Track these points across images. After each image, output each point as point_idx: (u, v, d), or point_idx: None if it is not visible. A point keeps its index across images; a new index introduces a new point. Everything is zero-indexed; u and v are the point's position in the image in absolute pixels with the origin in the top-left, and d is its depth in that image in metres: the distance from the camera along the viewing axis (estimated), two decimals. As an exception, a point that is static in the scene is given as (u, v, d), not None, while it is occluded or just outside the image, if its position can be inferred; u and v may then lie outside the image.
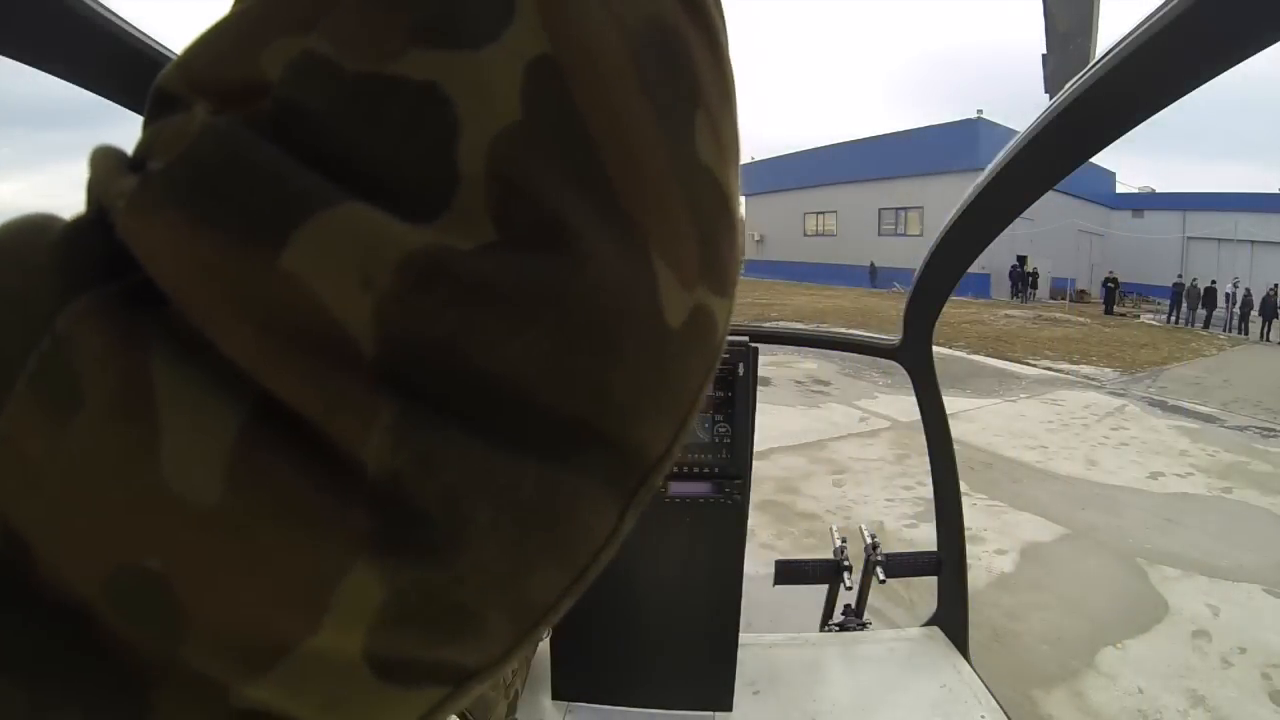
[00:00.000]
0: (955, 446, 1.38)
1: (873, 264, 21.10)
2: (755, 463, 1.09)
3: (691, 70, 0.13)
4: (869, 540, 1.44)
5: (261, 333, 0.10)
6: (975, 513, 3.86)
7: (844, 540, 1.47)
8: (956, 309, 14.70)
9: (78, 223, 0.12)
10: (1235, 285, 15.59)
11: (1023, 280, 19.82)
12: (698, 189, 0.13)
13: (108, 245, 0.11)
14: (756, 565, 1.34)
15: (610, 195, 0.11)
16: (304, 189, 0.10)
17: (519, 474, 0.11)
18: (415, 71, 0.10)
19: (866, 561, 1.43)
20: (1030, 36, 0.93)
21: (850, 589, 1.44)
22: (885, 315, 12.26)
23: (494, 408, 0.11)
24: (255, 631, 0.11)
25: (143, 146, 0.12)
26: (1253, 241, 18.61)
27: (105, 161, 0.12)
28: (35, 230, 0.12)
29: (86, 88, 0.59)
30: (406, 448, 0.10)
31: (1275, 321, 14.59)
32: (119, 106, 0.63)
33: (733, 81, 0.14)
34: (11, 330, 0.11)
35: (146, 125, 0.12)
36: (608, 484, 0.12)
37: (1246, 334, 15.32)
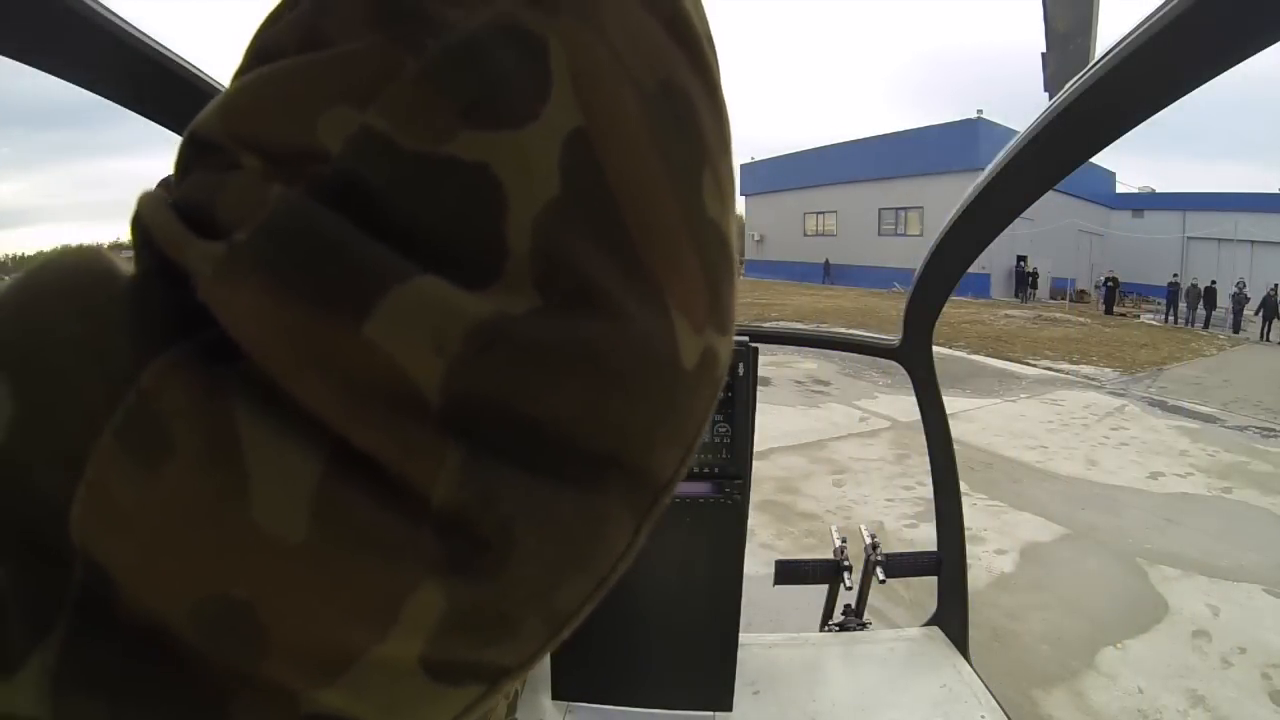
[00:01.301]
0: (955, 446, 1.38)
1: (827, 261, 23.46)
2: (755, 463, 1.09)
3: (698, 128, 0.14)
4: (869, 540, 1.44)
5: (343, 391, 0.11)
6: (975, 513, 3.86)
7: (844, 540, 1.47)
8: (956, 309, 14.69)
9: (146, 276, 0.12)
10: (1239, 286, 15.60)
11: (1023, 280, 19.83)
12: (706, 241, 0.14)
13: (179, 302, 0.12)
14: (756, 565, 1.34)
15: (634, 256, 0.13)
16: (379, 262, 0.11)
17: (559, 502, 0.13)
18: (467, 153, 0.11)
19: (866, 561, 1.43)
20: (1031, 36, 0.93)
21: (850, 589, 1.44)
22: (885, 315, 12.26)
23: (540, 448, 0.12)
24: (330, 644, 0.12)
25: (198, 199, 0.12)
26: (1253, 241, 18.61)
27: (164, 215, 0.12)
28: (96, 275, 0.13)
29: (86, 88, 0.59)
30: (471, 485, 0.12)
31: (1276, 321, 14.60)
32: (119, 106, 0.63)
33: (729, 130, 0.15)
34: (92, 382, 0.11)
35: (184, 168, 0.13)
36: (627, 504, 0.14)
37: (1238, 332, 15.35)
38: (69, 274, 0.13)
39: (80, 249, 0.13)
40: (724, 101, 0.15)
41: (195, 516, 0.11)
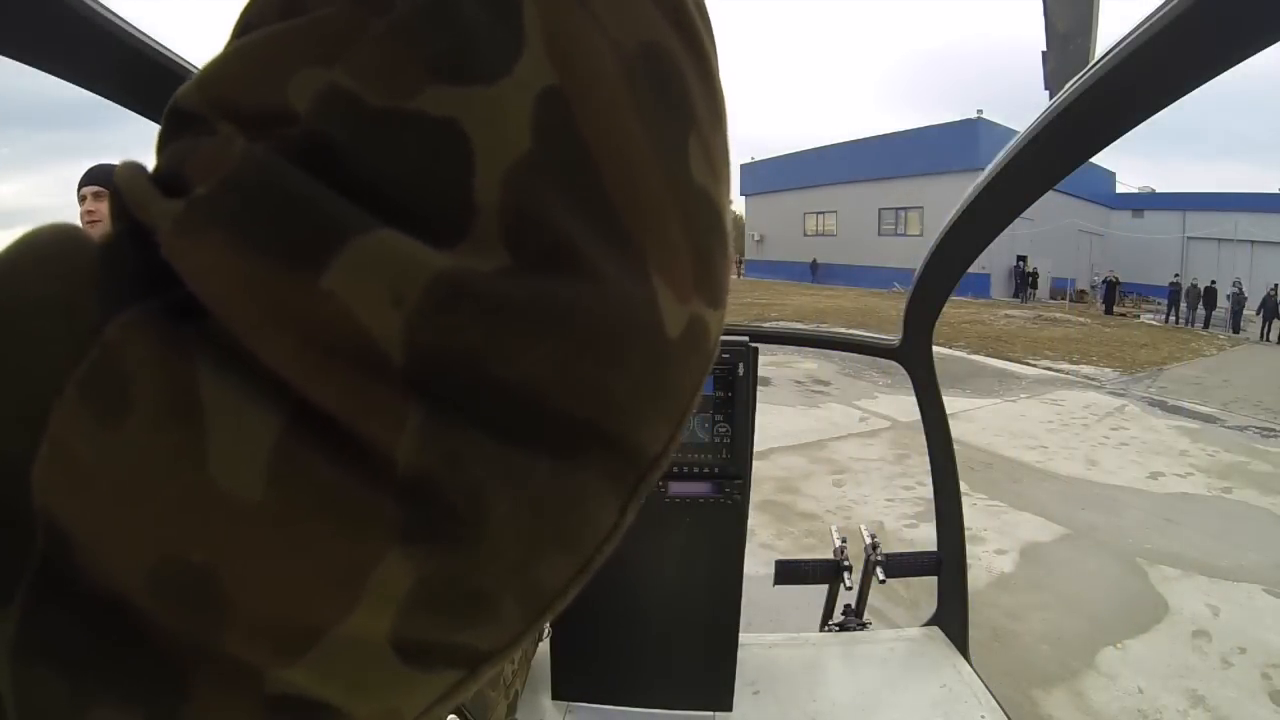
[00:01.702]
0: (955, 446, 1.38)
1: (814, 260, 23.96)
2: (755, 463, 1.09)
3: (684, 93, 0.14)
4: (869, 540, 1.44)
5: (302, 345, 0.11)
6: (975, 513, 3.86)
7: (844, 540, 1.47)
8: (956, 309, 14.70)
9: (115, 239, 0.12)
10: (1236, 286, 15.61)
11: (1023, 280, 19.83)
12: (692, 208, 0.14)
13: (147, 261, 0.11)
14: (756, 565, 1.34)
15: (612, 218, 0.12)
16: (340, 216, 0.11)
17: (533, 471, 0.12)
18: (434, 108, 0.11)
19: (866, 561, 1.43)
20: (1031, 33, 0.93)
21: (850, 589, 1.44)
22: (885, 315, 12.27)
23: (511, 412, 0.12)
24: (293, 617, 0.11)
25: (172, 164, 0.12)
26: (1253, 241, 18.61)
27: (136, 181, 0.12)
28: (69, 242, 0.13)
29: (86, 88, 0.59)
30: (435, 447, 0.11)
31: (1276, 321, 14.60)
32: (119, 106, 0.63)
33: (723, 101, 0.15)
34: (58, 338, 0.11)
35: (164, 140, 0.13)
36: (610, 480, 0.13)
37: (1238, 332, 15.35)
38: (42, 243, 0.13)
39: (55, 224, 0.13)
40: (715, 70, 0.15)
41: (153, 472, 0.11)
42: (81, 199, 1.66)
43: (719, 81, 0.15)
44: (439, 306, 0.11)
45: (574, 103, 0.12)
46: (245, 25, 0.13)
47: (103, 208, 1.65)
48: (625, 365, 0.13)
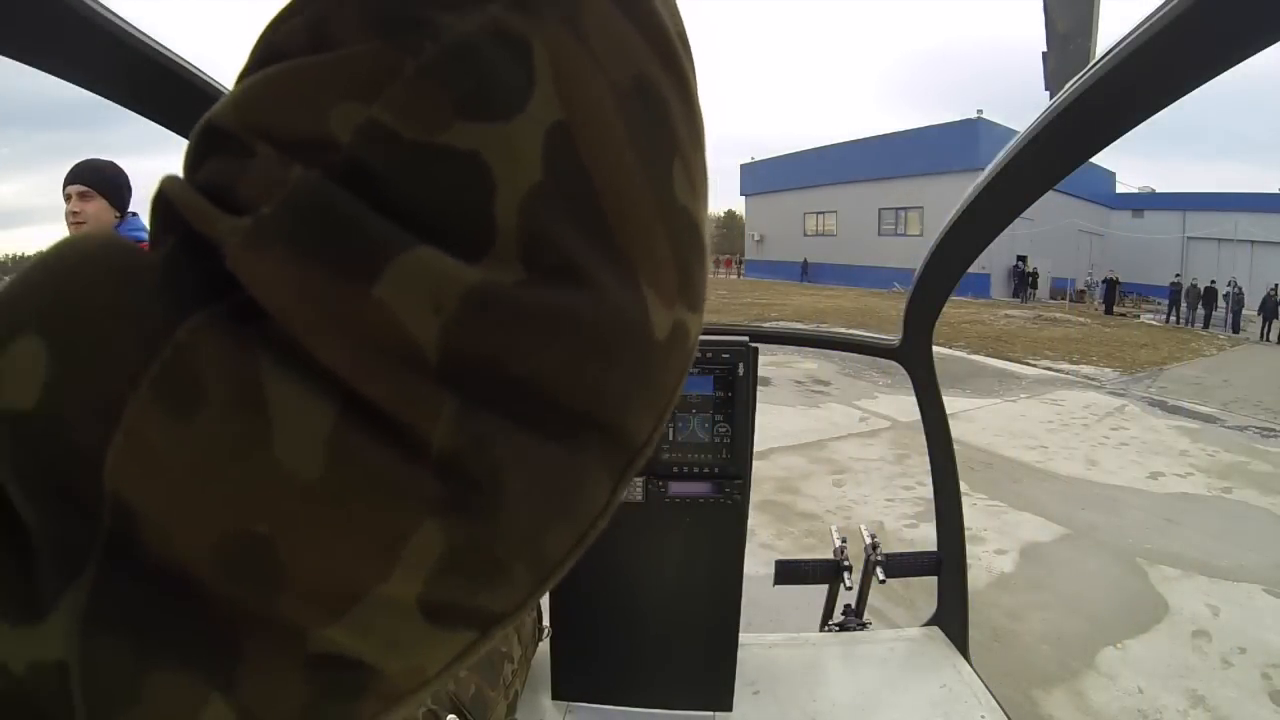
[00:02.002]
0: (955, 446, 1.38)
1: (805, 260, 24.58)
2: (755, 463, 1.09)
3: (669, 119, 0.15)
4: (869, 540, 1.44)
5: (355, 346, 0.13)
6: (975, 513, 3.87)
7: (844, 540, 1.47)
8: (956, 309, 14.70)
9: (174, 248, 0.14)
10: (1232, 285, 15.63)
11: (1023, 280, 19.83)
12: (676, 225, 0.15)
13: (206, 270, 0.13)
14: (756, 565, 1.34)
15: (609, 236, 0.14)
16: (386, 234, 0.13)
17: (542, 453, 0.14)
18: (460, 142, 0.13)
19: (866, 561, 1.43)
20: (1031, 33, 0.93)
21: (850, 589, 1.44)
22: (885, 315, 12.27)
23: (526, 403, 0.14)
24: (339, 581, 0.13)
25: (221, 181, 0.14)
26: (1253, 241, 18.61)
27: (192, 197, 0.14)
28: (128, 252, 0.14)
29: (86, 88, 0.59)
30: (465, 432, 0.13)
31: (1275, 321, 14.61)
32: (119, 106, 0.63)
33: (702, 123, 0.17)
34: (127, 341, 0.13)
35: (199, 155, 0.14)
36: (605, 462, 0.15)
37: (1237, 332, 15.36)
38: (97, 249, 0.14)
39: (97, 232, 0.15)
40: (695, 96, 0.16)
41: (223, 455, 0.12)
42: (67, 197, 1.62)
43: (698, 105, 0.17)
44: (471, 314, 0.13)
45: (577, 135, 0.14)
46: (271, 49, 0.14)
47: (88, 209, 1.61)
48: (620, 363, 0.15)
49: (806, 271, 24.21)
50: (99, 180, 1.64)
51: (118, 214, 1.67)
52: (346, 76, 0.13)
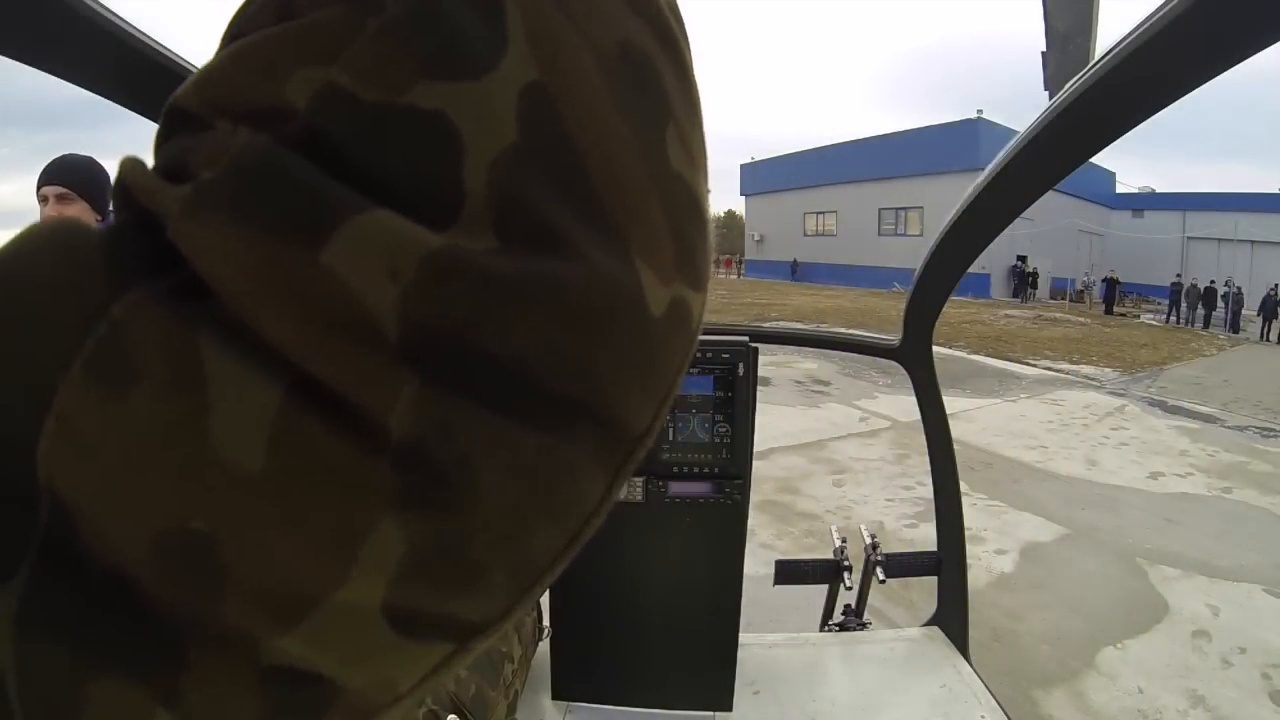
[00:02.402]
0: (955, 446, 1.38)
1: (795, 260, 24.84)
2: (755, 463, 1.09)
3: (661, 88, 0.14)
4: (869, 540, 1.44)
5: (302, 319, 0.11)
6: (975, 513, 3.86)
7: (844, 540, 1.47)
8: (956, 309, 14.69)
9: (121, 224, 0.13)
10: (1229, 285, 15.65)
11: (1023, 280, 19.83)
12: (671, 195, 0.14)
13: (151, 245, 0.12)
14: (756, 565, 1.34)
15: (594, 203, 0.13)
16: (339, 197, 0.11)
17: (521, 443, 0.12)
18: (424, 102, 0.12)
19: (866, 561, 1.43)
20: (1031, 33, 0.93)
21: (850, 589, 1.44)
22: (885, 315, 12.27)
23: (500, 384, 0.12)
24: (290, 585, 0.12)
25: (174, 157, 0.13)
26: (1253, 241, 18.61)
27: (141, 172, 0.13)
28: (74, 230, 0.13)
29: (86, 88, 0.59)
30: (427, 416, 0.12)
31: (1275, 321, 14.61)
32: (118, 106, 0.63)
33: (698, 96, 0.16)
34: (65, 319, 0.12)
35: (164, 138, 0.14)
36: (597, 455, 0.14)
37: (1237, 332, 15.37)
38: (46, 231, 0.13)
39: (57, 217, 0.14)
40: (689, 66, 0.16)
41: (156, 442, 0.11)
42: (43, 199, 1.48)
43: (694, 77, 0.16)
44: (432, 280, 0.12)
45: (556, 97, 0.13)
46: (237, 31, 0.14)
47: (68, 213, 1.43)
48: (610, 342, 0.13)
49: (796, 271, 24.50)
50: (78, 181, 1.49)
51: (99, 217, 1.51)
52: (305, 42, 0.12)
